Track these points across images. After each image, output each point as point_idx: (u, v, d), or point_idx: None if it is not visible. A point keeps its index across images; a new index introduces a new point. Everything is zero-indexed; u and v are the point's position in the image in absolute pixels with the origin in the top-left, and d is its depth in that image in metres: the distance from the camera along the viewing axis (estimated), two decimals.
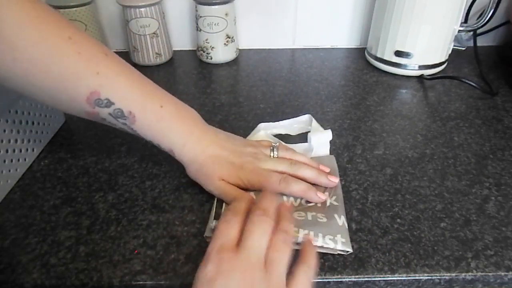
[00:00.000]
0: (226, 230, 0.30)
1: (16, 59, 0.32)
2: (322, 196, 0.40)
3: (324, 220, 0.38)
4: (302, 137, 0.51)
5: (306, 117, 0.53)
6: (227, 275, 0.27)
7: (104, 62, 0.36)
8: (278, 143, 0.45)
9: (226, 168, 0.40)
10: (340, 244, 0.35)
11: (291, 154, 0.43)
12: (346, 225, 0.38)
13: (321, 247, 0.35)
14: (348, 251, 0.36)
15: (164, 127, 0.39)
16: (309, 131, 0.49)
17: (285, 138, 0.51)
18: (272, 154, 0.42)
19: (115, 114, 0.37)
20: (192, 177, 0.42)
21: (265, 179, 0.39)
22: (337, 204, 0.40)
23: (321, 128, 0.51)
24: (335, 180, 0.42)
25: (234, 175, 0.40)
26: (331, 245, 0.35)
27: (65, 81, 0.34)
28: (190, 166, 0.41)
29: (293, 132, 0.52)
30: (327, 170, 0.43)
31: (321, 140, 0.48)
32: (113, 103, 0.36)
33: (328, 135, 0.48)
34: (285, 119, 0.54)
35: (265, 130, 0.51)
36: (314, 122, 0.51)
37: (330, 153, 0.48)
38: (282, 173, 0.40)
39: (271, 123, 0.53)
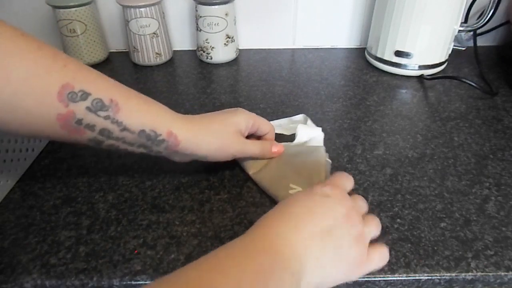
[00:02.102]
0: (344, 178, 0.35)
1: None
2: (275, 148, 0.45)
3: None
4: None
5: (300, 117, 0.53)
6: (340, 199, 0.31)
7: (67, 56, 0.33)
8: None
9: (235, 116, 0.42)
10: None
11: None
12: None
13: None
14: None
15: (155, 108, 0.37)
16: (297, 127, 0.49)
17: (279, 138, 0.50)
18: None
19: (94, 107, 0.32)
20: (213, 154, 0.40)
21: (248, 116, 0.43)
22: None
23: (314, 126, 0.50)
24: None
25: (246, 118, 0.42)
26: None
27: (30, 79, 0.30)
28: (209, 143, 0.39)
29: (288, 131, 0.52)
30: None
31: (308, 132, 0.48)
32: (89, 94, 0.32)
33: (317, 132, 0.49)
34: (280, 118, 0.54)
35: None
36: (310, 122, 0.51)
37: (331, 153, 0.48)
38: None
39: None
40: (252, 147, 0.43)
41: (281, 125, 0.53)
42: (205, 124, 0.40)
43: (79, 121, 0.32)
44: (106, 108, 0.33)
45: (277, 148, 0.45)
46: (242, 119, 0.42)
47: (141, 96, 0.36)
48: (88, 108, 0.32)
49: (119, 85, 0.35)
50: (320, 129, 0.49)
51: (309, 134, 0.48)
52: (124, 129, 0.34)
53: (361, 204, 0.34)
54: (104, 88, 0.33)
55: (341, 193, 0.32)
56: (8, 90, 0.29)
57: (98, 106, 0.33)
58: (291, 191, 0.40)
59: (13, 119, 0.31)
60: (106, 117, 0.33)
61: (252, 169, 0.44)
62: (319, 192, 0.31)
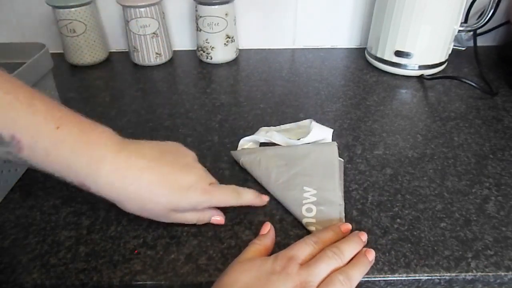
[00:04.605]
0: (304, 247, 0.33)
1: None
2: (265, 199, 0.41)
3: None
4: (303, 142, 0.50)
5: (307, 122, 0.53)
6: (285, 279, 0.30)
7: None
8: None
9: (173, 196, 0.34)
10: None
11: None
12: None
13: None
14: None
15: (65, 154, 0.30)
16: (311, 125, 0.50)
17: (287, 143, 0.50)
18: None
19: None
20: (138, 214, 0.35)
21: (217, 199, 0.36)
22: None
23: (326, 127, 0.51)
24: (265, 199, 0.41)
25: (185, 201, 0.34)
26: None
27: None
28: (126, 203, 0.33)
29: (294, 136, 0.52)
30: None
31: (321, 132, 0.49)
32: None
33: (329, 131, 0.50)
34: (287, 123, 0.54)
35: (267, 132, 0.51)
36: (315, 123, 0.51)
37: None
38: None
39: (272, 127, 0.53)
40: (187, 217, 0.37)
41: (287, 130, 0.52)
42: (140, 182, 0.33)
43: None
44: (6, 145, 0.29)
45: (218, 220, 0.38)
46: (188, 203, 0.35)
47: (53, 132, 0.30)
48: None
49: (29, 112, 0.29)
50: (331, 130, 0.50)
51: (322, 134, 0.49)
52: (30, 165, 0.31)
53: (318, 272, 0.31)
54: (5, 119, 0.28)
55: (292, 268, 0.30)
56: None
57: None
58: (305, 194, 0.41)
59: None
60: (7, 153, 0.29)
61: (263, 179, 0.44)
62: (268, 267, 0.30)
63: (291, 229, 0.39)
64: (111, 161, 0.32)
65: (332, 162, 0.44)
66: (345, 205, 0.41)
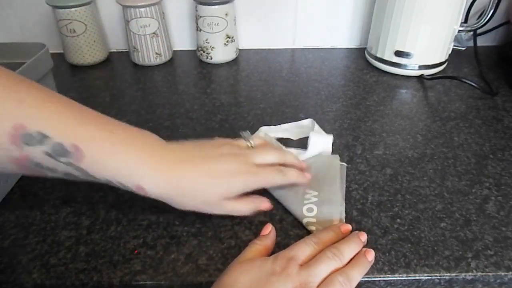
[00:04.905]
0: (304, 248, 0.33)
1: None
2: (308, 176, 0.42)
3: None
4: (303, 141, 0.50)
5: (308, 121, 0.53)
6: (285, 280, 0.30)
7: (26, 88, 0.29)
8: (246, 132, 0.43)
9: (222, 182, 0.36)
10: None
11: (265, 141, 0.44)
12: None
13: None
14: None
15: (123, 158, 0.32)
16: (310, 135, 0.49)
17: (285, 142, 0.51)
18: (249, 144, 0.41)
19: (54, 152, 0.29)
20: (191, 210, 0.36)
21: (264, 178, 0.39)
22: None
23: (323, 132, 0.51)
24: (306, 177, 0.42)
25: (233, 186, 0.36)
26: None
27: None
28: (179, 199, 0.35)
29: (294, 136, 0.52)
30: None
31: (321, 140, 0.48)
32: (48, 137, 0.28)
33: (329, 138, 0.48)
34: (286, 123, 0.54)
35: (266, 133, 0.51)
36: (317, 126, 0.51)
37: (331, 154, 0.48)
38: (271, 164, 0.40)
39: (272, 126, 0.53)
40: (240, 208, 0.38)
41: (287, 130, 0.52)
42: (182, 179, 0.34)
43: (37, 165, 0.29)
44: (68, 154, 0.29)
45: (267, 205, 0.40)
46: (237, 186, 0.37)
47: (109, 137, 0.32)
48: (47, 153, 0.29)
49: (83, 121, 0.31)
50: (331, 136, 0.49)
51: (321, 143, 0.48)
52: (89, 175, 0.32)
53: (318, 272, 0.31)
54: (66, 129, 0.29)
55: (292, 268, 0.30)
56: None
57: (59, 152, 0.29)
58: (306, 195, 0.41)
59: None
60: (68, 164, 0.30)
61: None
62: (268, 268, 0.31)
63: (291, 229, 0.39)
64: (161, 160, 0.34)
65: (334, 166, 0.45)
66: (345, 205, 0.41)
